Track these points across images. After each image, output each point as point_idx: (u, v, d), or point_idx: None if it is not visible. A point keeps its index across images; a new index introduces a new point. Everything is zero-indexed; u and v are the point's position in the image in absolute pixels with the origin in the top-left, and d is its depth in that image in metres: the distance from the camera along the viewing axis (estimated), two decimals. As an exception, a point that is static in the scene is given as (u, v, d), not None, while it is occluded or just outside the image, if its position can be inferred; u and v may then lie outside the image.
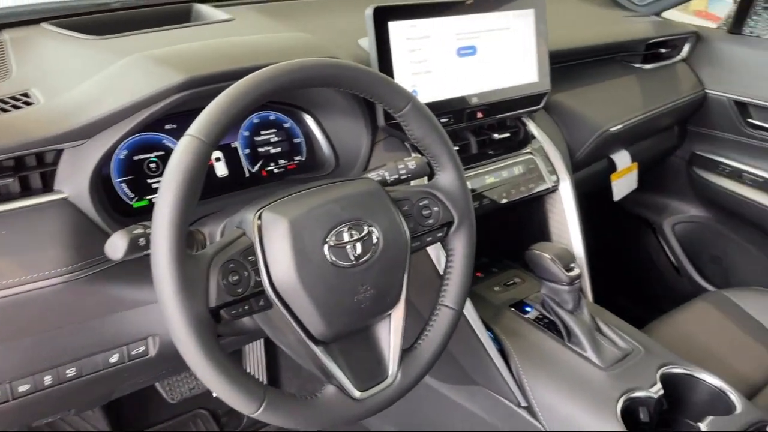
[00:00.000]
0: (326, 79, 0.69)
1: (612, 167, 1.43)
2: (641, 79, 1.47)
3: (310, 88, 0.71)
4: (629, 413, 0.90)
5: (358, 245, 0.70)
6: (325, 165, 1.01)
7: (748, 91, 1.50)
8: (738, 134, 1.54)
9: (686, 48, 1.58)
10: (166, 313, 0.59)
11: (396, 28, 0.95)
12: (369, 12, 0.93)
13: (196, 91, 0.77)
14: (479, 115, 1.07)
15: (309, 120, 1.00)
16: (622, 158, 1.45)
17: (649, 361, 0.96)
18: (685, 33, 1.55)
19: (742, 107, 1.52)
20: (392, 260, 0.73)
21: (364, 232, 0.70)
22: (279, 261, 0.66)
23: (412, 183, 0.89)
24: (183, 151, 0.60)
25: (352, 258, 0.69)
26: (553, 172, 1.17)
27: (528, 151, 1.16)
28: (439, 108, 1.01)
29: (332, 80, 0.70)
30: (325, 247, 0.68)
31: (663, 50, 1.54)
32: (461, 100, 1.04)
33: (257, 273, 0.66)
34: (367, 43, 0.96)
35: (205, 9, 1.13)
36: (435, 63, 1.01)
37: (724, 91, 1.54)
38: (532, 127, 1.18)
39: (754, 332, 1.32)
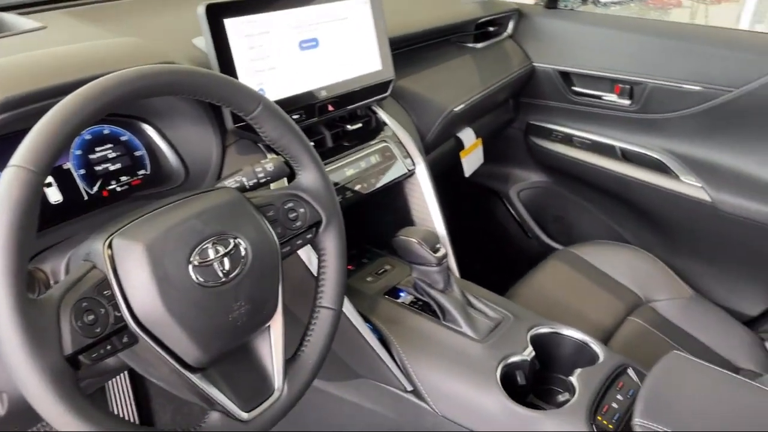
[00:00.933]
0: (167, 87, 0.64)
1: (460, 145, 1.49)
2: (475, 58, 1.54)
3: (149, 98, 0.65)
4: (508, 378, 0.95)
5: (226, 260, 0.65)
6: (173, 177, 0.94)
7: (569, 61, 1.63)
8: (565, 102, 1.67)
9: (511, 25, 1.67)
10: (14, 370, 0.52)
11: (233, 25, 0.90)
12: (201, 10, 0.87)
13: (15, 114, 0.68)
14: (330, 108, 1.05)
15: (149, 130, 0.93)
16: (468, 135, 1.51)
17: (519, 326, 1.02)
18: (508, 11, 1.65)
19: (566, 77, 1.65)
20: (264, 270, 0.69)
21: (231, 246, 0.66)
22: (139, 291, 0.60)
23: (273, 186, 0.85)
24: (9, 184, 0.52)
25: (221, 275, 0.65)
26: (408, 156, 1.18)
27: (382, 139, 1.17)
28: (289, 105, 0.98)
29: (174, 88, 0.64)
30: (190, 267, 0.63)
31: (491, 28, 1.62)
32: (310, 95, 1.02)
33: (116, 308, 0.60)
34: (203, 42, 0.90)
35: (8, 18, 1.00)
36: (278, 58, 0.97)
37: (549, 63, 1.65)
38: (383, 115, 1.19)
39: (600, 282, 1.45)
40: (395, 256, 1.20)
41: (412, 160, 1.18)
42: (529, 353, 0.97)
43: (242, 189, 0.76)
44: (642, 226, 1.69)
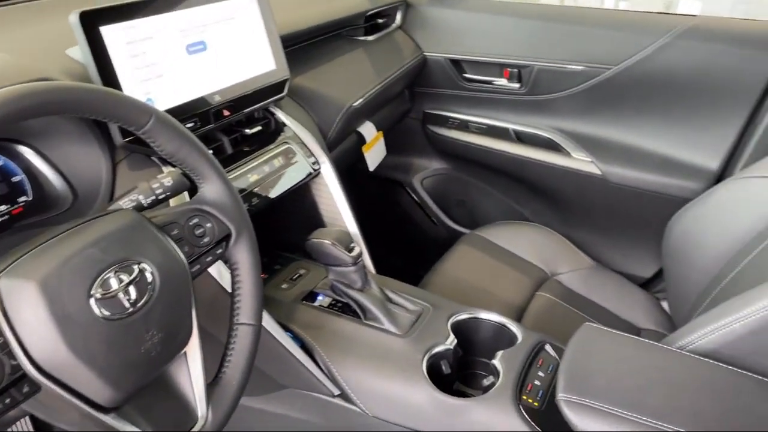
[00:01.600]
0: (45, 107, 0.58)
1: (362, 140, 1.48)
2: (368, 51, 1.53)
3: (25, 121, 0.59)
4: (433, 369, 0.95)
5: (132, 289, 0.61)
6: (60, 201, 0.86)
7: (459, 49, 1.66)
8: (458, 89, 1.71)
9: (399, 16, 1.68)
10: None
11: (111, 33, 0.84)
12: (74, 19, 0.80)
13: None
14: (226, 113, 1.01)
15: (27, 152, 0.84)
16: (368, 129, 1.50)
17: (439, 316, 1.03)
18: (396, 2, 1.65)
19: (457, 64, 1.68)
20: (175, 294, 0.65)
21: (135, 273, 0.61)
22: (37, 335, 0.54)
23: (173, 201, 0.81)
24: None
25: (128, 305, 0.60)
26: (312, 156, 1.16)
27: (283, 140, 1.13)
28: (181, 113, 0.92)
29: (54, 107, 0.58)
30: (92, 301, 0.58)
31: (381, 20, 1.61)
32: (203, 101, 0.97)
33: (11, 356, 0.54)
34: (79, 53, 0.83)
35: None
36: (165, 65, 0.92)
37: (439, 51, 1.68)
38: (282, 116, 1.16)
39: (508, 261, 1.49)
40: (309, 260, 1.18)
41: (317, 160, 1.16)
42: (451, 342, 0.98)
43: (140, 208, 0.71)
44: (540, 203, 1.76)
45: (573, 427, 0.80)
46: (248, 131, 1.07)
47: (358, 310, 1.02)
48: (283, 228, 1.25)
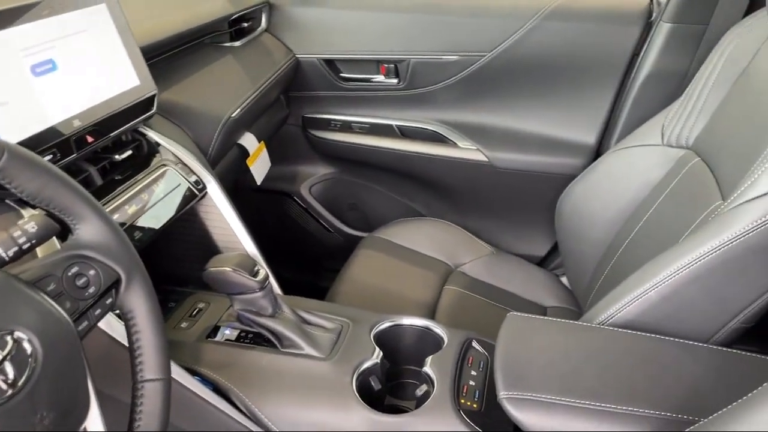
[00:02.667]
0: None
1: (245, 153, 1.38)
2: (238, 57, 1.43)
3: None
4: (364, 388, 0.89)
5: (9, 367, 0.49)
6: None
7: (332, 48, 1.60)
8: (336, 90, 1.65)
9: (264, 18, 1.59)
10: None
11: (-67, 57, 0.69)
12: None
13: None
14: (89, 139, 0.88)
15: None
16: (250, 141, 1.40)
17: (360, 330, 0.96)
18: (259, 4, 1.56)
19: (331, 64, 1.62)
20: (62, 364, 0.54)
21: (9, 346, 0.50)
22: None
23: (40, 251, 0.68)
24: None
25: (6, 387, 0.48)
26: (195, 176, 1.05)
27: (160, 163, 1.01)
28: (36, 144, 0.79)
29: None
30: None
31: (246, 24, 1.52)
32: (60, 128, 0.83)
33: None
34: None
35: None
36: (7, 91, 0.78)
37: (312, 52, 1.61)
38: (154, 136, 1.04)
39: (411, 259, 1.46)
40: (206, 291, 1.07)
41: (200, 180, 1.05)
42: (377, 355, 0.92)
43: (1, 263, 0.58)
44: (433, 197, 1.75)
45: (519, 424, 0.77)
46: (118, 157, 0.94)
47: (273, 339, 0.93)
48: (172, 260, 1.13)
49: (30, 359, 0.50)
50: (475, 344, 0.97)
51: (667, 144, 1.23)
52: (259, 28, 1.57)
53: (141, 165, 0.98)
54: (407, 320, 1.00)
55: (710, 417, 0.57)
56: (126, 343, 0.67)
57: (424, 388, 0.92)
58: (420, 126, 1.62)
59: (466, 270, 1.49)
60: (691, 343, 0.87)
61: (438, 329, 0.99)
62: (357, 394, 0.85)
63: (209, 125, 1.20)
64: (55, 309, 0.55)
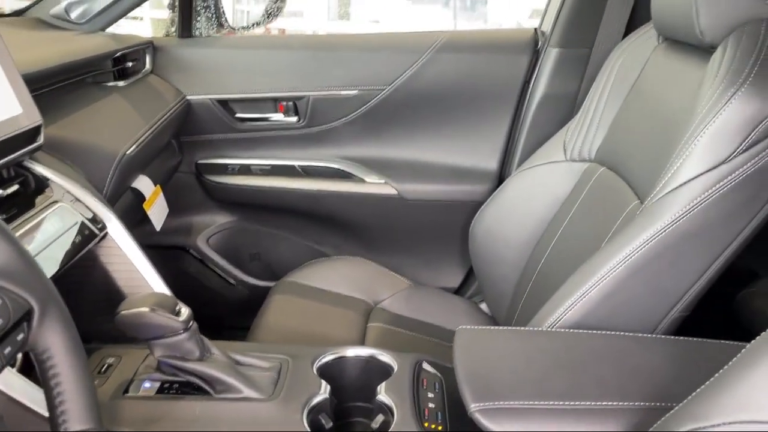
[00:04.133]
0: None
1: (140, 196, 1.25)
2: (125, 96, 1.32)
3: None
4: (314, 428, 0.79)
5: None
6: None
7: (226, 88, 1.53)
8: (232, 132, 1.57)
9: (148, 59, 1.49)
10: None
11: None
12: None
13: None
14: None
15: None
16: (145, 184, 1.28)
17: (302, 365, 0.87)
18: (141, 44, 1.47)
19: (225, 105, 1.55)
20: None
21: None
22: None
23: None
24: None
25: None
26: (92, 214, 0.92)
27: (51, 200, 0.88)
28: None
29: None
30: None
31: (130, 64, 1.41)
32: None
33: None
34: None
35: None
36: None
37: (204, 93, 1.53)
38: (43, 170, 0.90)
39: (329, 300, 1.39)
40: (114, 344, 0.92)
41: (99, 219, 0.92)
42: (326, 389, 0.83)
43: None
44: (342, 236, 1.70)
45: None
46: (2, 192, 0.80)
47: (204, 385, 0.81)
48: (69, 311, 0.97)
49: None
50: (426, 366, 0.91)
51: (570, 159, 1.28)
52: (145, 69, 1.47)
53: (30, 202, 0.84)
54: (351, 351, 0.92)
55: (684, 401, 0.56)
56: (30, 404, 0.54)
57: (380, 418, 0.83)
58: (324, 164, 1.57)
59: (386, 306, 1.43)
60: (640, 335, 0.87)
61: (384, 357, 0.92)
62: (311, 433, 0.76)
63: (103, 162, 1.07)
64: None
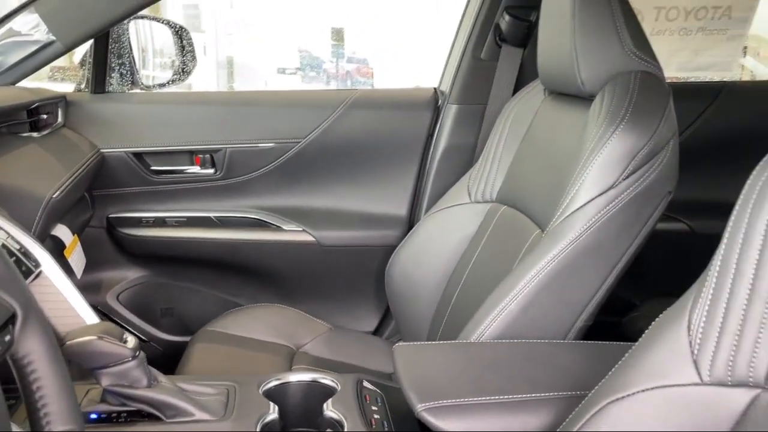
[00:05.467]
0: None
1: (60, 245, 1.23)
2: (42, 146, 1.30)
3: None
4: None
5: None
6: None
7: (142, 142, 1.54)
8: (147, 184, 1.57)
9: (60, 113, 1.49)
10: None
11: None
12: None
13: None
14: None
15: None
16: (64, 233, 1.25)
17: (248, 390, 0.90)
18: (54, 97, 1.46)
19: (140, 158, 1.56)
20: None
21: None
22: None
23: None
24: None
25: None
26: (24, 251, 0.91)
27: (-16, 236, 0.86)
28: None
29: None
30: None
31: (45, 116, 1.40)
32: None
33: None
34: None
35: None
36: None
37: (119, 146, 1.53)
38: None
39: (253, 347, 1.41)
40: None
41: (33, 257, 0.91)
42: (274, 409, 0.86)
43: None
44: (260, 286, 1.72)
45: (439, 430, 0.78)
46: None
47: (154, 411, 0.81)
48: None
49: None
50: (366, 383, 0.96)
51: (474, 201, 1.41)
52: (58, 122, 1.46)
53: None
54: (294, 376, 0.96)
55: (595, 388, 0.69)
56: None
57: (329, 433, 0.87)
58: (241, 215, 1.61)
59: (309, 349, 1.46)
60: (555, 341, 0.98)
61: (326, 380, 0.97)
62: (266, 449, 0.78)
63: (30, 205, 1.06)
64: None
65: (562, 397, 0.82)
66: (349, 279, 1.68)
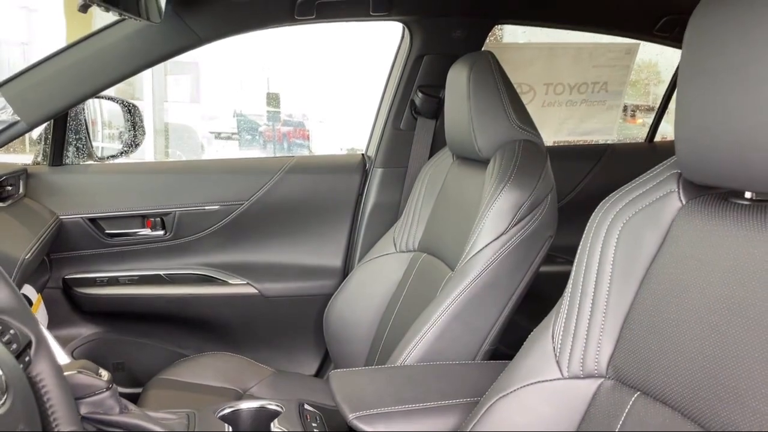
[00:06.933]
0: None
1: (29, 302, 1.35)
2: (8, 214, 1.44)
3: None
4: None
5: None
6: None
7: (97, 208, 1.70)
8: (102, 247, 1.72)
9: (22, 184, 1.63)
10: None
11: None
12: None
13: None
14: None
15: None
16: (30, 291, 1.38)
17: (206, 416, 1.05)
18: (17, 171, 1.60)
19: (96, 223, 1.71)
20: (23, 391, 0.60)
21: None
22: None
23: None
24: None
25: None
26: None
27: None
28: None
29: None
30: None
31: (9, 188, 1.54)
32: None
33: None
34: None
35: None
36: None
37: (75, 213, 1.68)
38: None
39: (203, 392, 1.54)
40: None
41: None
42: (228, 429, 1.02)
43: None
44: (207, 337, 1.85)
45: None
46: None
47: (128, 435, 0.96)
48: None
49: (5, 386, 0.56)
50: (306, 406, 1.13)
51: (399, 251, 1.63)
52: (19, 193, 1.60)
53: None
54: (244, 404, 1.12)
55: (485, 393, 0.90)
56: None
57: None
58: (189, 272, 1.77)
59: (255, 392, 1.60)
60: (463, 362, 1.19)
61: (272, 405, 1.13)
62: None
63: (5, 267, 1.18)
64: (6, 353, 0.61)
65: (465, 402, 1.02)
66: (291, 326, 1.84)
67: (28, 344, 0.69)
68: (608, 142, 2.08)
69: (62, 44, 1.51)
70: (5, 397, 0.56)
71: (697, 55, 0.71)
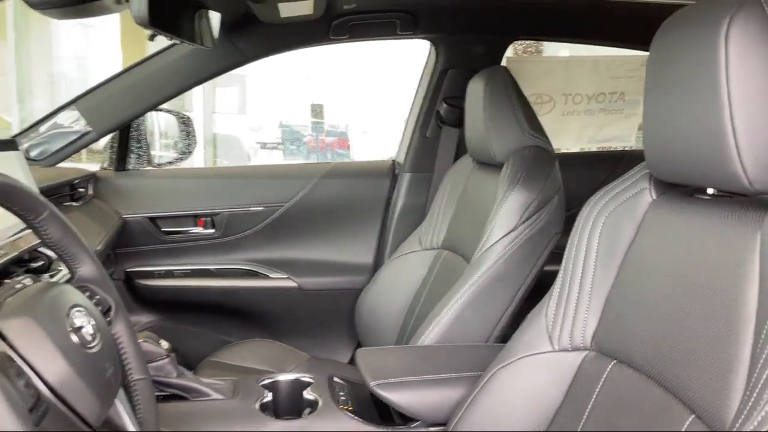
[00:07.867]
0: None
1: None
2: (82, 213, 1.65)
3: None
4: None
5: (90, 326, 0.72)
6: None
7: (155, 208, 1.91)
8: (159, 243, 1.92)
9: (91, 187, 1.85)
10: None
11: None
12: None
13: None
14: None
15: None
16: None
17: (249, 383, 1.23)
18: (87, 175, 1.82)
19: (154, 222, 1.92)
20: (108, 337, 0.77)
21: (87, 320, 0.73)
22: (49, 363, 0.63)
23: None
24: None
25: (90, 339, 0.72)
26: None
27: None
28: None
29: None
30: (71, 333, 0.68)
31: (82, 190, 1.76)
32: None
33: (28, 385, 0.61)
34: None
35: None
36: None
37: (137, 213, 1.89)
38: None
39: (245, 374, 1.71)
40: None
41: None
42: (268, 394, 1.19)
43: None
44: (250, 327, 2.04)
45: (387, 401, 1.11)
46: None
47: (183, 394, 1.14)
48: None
49: (95, 330, 0.74)
50: (336, 378, 1.30)
51: (424, 249, 1.78)
52: (90, 194, 1.82)
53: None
54: (281, 376, 1.29)
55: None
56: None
57: (308, 411, 1.20)
58: (235, 266, 1.96)
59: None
60: (473, 344, 1.33)
61: (305, 377, 1.30)
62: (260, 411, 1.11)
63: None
64: (95, 309, 0.79)
65: (472, 375, 1.16)
66: (326, 317, 2.01)
67: (109, 309, 0.87)
68: (627, 148, 2.19)
69: (116, 58, 1.72)
70: (96, 340, 0.73)
71: (657, 70, 0.85)
